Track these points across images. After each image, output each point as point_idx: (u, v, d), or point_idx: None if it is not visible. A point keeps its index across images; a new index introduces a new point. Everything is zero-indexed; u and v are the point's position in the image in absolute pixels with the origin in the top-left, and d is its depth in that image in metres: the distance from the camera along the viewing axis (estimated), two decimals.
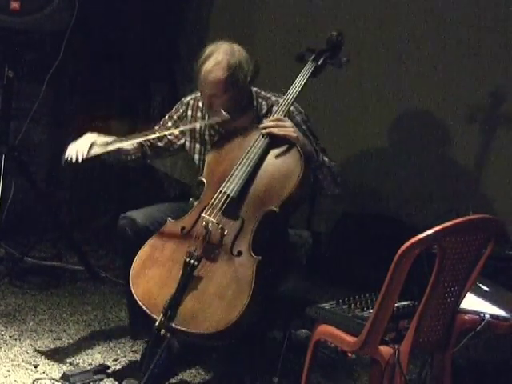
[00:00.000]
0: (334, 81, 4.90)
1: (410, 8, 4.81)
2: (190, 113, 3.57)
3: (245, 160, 3.26)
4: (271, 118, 3.36)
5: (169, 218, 3.29)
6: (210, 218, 3.15)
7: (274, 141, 3.30)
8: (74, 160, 3.36)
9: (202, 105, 3.52)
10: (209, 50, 3.36)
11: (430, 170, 4.84)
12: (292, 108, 3.44)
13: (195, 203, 3.34)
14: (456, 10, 4.66)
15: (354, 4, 4.93)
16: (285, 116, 3.36)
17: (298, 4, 5.22)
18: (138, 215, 3.42)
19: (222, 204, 3.18)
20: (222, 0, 5.58)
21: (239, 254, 3.11)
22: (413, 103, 4.87)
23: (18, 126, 4.76)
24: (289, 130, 3.29)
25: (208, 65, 3.32)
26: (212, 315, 3.00)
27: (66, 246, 4.78)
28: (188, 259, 3.06)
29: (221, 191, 3.21)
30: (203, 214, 3.18)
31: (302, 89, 3.44)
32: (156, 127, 3.61)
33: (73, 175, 5.35)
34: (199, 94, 3.49)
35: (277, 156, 3.29)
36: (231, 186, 3.21)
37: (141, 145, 3.57)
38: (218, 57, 3.32)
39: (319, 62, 3.55)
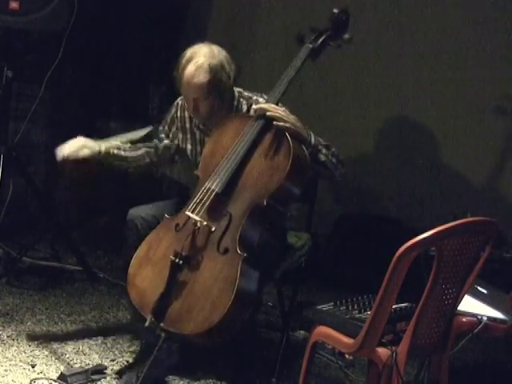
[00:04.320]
0: (333, 81, 4.92)
1: (411, 9, 4.82)
2: (179, 113, 3.57)
3: (232, 152, 3.20)
4: (262, 104, 3.29)
5: (165, 215, 3.27)
6: (196, 217, 3.12)
7: (263, 132, 3.22)
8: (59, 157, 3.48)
9: None
10: (188, 54, 3.33)
11: (428, 173, 4.84)
12: None
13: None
14: (457, 13, 4.67)
15: (353, 4, 4.92)
16: (277, 103, 3.29)
17: (297, 4, 5.23)
18: (147, 208, 3.45)
19: (207, 200, 3.15)
20: (222, 2, 5.58)
21: (226, 251, 3.07)
22: (412, 105, 4.87)
23: (16, 126, 4.76)
24: (282, 113, 3.21)
25: (190, 69, 3.29)
26: (197, 316, 3.00)
27: (63, 247, 4.78)
28: (174, 259, 3.06)
29: (205, 187, 3.18)
30: (188, 213, 3.15)
31: (296, 73, 3.34)
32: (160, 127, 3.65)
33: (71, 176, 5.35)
34: None
35: (266, 148, 3.20)
36: (216, 181, 3.17)
37: (147, 153, 3.63)
38: (199, 60, 3.29)
39: (317, 44, 3.42)
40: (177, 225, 3.21)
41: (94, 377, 3.35)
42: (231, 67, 3.35)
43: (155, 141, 3.65)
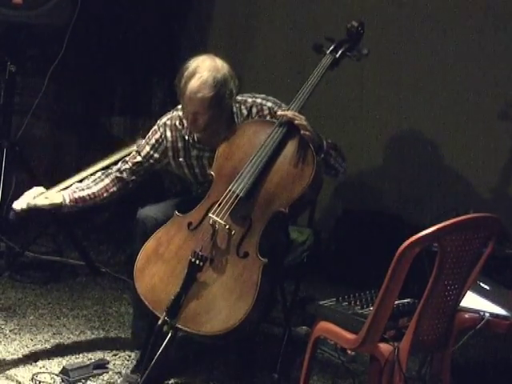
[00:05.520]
0: (334, 79, 4.91)
1: (411, 12, 4.82)
2: (169, 133, 3.46)
3: (256, 158, 3.20)
4: (287, 111, 3.28)
5: (176, 212, 3.25)
6: (218, 219, 3.11)
7: (286, 139, 3.23)
8: (16, 209, 3.37)
9: (179, 123, 3.44)
10: (192, 67, 3.26)
11: (430, 169, 4.84)
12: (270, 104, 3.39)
13: (203, 198, 3.27)
14: (458, 18, 4.68)
15: (355, 6, 4.93)
16: (300, 111, 3.29)
17: (298, 3, 5.22)
18: (156, 209, 3.42)
19: (231, 204, 3.13)
20: (222, 1, 5.58)
21: (245, 255, 3.08)
22: (414, 102, 4.87)
23: (19, 120, 4.76)
24: (305, 124, 3.23)
25: (193, 84, 3.23)
26: (215, 317, 3.00)
27: (66, 241, 4.78)
28: (193, 259, 3.05)
29: (230, 190, 3.16)
30: (211, 214, 3.13)
31: (319, 82, 3.38)
32: (133, 152, 3.51)
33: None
34: (174, 113, 3.45)
35: (289, 154, 3.21)
36: (241, 186, 3.15)
37: (118, 178, 3.50)
38: (204, 75, 3.23)
39: (338, 54, 3.48)
40: (190, 223, 3.20)
41: (95, 371, 3.35)
42: (234, 82, 3.30)
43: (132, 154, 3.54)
